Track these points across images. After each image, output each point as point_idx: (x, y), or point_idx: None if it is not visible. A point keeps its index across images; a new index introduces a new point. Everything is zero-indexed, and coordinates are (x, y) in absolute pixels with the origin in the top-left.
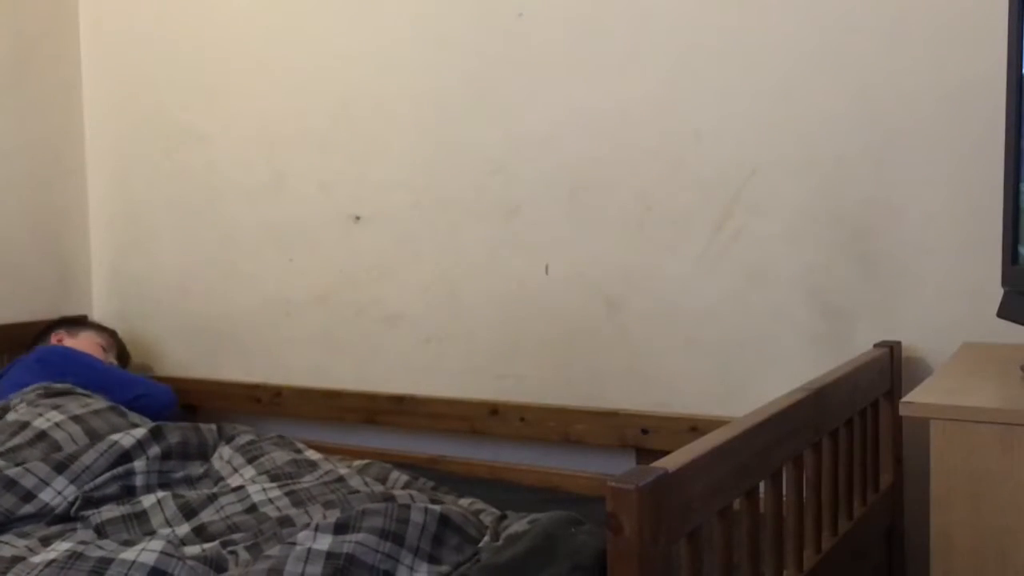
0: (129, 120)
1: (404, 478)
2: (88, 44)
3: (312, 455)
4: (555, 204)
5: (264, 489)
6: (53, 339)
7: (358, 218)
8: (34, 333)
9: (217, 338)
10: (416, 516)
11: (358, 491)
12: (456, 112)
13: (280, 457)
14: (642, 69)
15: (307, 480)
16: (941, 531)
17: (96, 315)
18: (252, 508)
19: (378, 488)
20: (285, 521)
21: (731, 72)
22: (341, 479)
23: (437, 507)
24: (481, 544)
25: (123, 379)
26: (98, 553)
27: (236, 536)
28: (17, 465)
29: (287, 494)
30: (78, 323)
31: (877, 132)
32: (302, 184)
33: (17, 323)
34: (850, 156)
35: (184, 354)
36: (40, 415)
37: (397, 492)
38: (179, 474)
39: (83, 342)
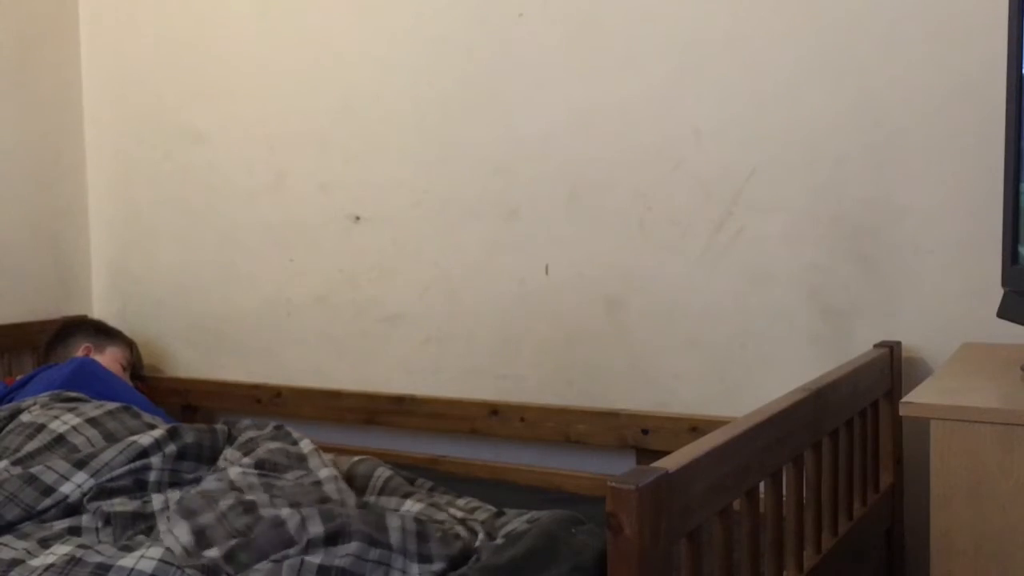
0: (129, 120)
1: (387, 473)
2: (88, 44)
3: (305, 447)
4: (555, 204)
5: (244, 473)
6: (82, 350)
7: (358, 218)
8: (34, 332)
9: (217, 338)
10: (392, 521)
11: (328, 499)
12: (456, 112)
13: (272, 446)
14: (642, 69)
15: (288, 477)
16: (941, 531)
17: (96, 315)
18: (230, 485)
19: (351, 500)
20: (278, 523)
21: (731, 72)
22: (318, 483)
23: (411, 510)
24: (478, 544)
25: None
26: (96, 559)
27: (233, 543)
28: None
29: (262, 483)
30: (104, 332)
31: (877, 132)
32: (302, 184)
33: (17, 323)
34: (850, 156)
35: (184, 354)
36: (56, 417)
37: (369, 499)
38: (191, 475)
39: (108, 358)
